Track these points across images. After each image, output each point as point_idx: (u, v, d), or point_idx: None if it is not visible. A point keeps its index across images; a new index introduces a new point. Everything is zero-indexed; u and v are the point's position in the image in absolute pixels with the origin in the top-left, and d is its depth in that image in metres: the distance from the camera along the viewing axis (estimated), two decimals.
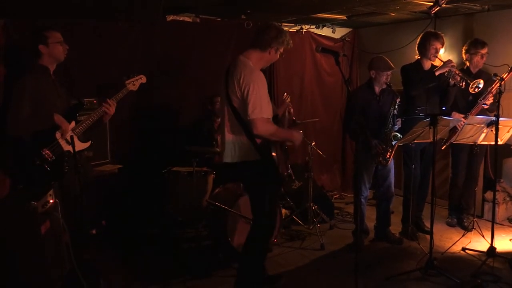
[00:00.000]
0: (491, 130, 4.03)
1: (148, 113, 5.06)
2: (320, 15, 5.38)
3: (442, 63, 4.40)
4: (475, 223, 4.57)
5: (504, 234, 4.77)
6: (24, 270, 2.99)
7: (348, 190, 6.44)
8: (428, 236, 4.03)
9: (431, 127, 3.72)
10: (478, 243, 4.40)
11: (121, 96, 3.59)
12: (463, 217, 5.02)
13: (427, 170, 4.73)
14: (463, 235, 4.51)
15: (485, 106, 4.51)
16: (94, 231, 3.90)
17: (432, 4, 4.51)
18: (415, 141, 4.10)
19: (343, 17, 5.57)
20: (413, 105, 4.48)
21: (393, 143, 4.17)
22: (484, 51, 4.62)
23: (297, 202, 5.15)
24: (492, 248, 3.97)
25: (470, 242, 4.45)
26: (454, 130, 4.41)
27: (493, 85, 4.32)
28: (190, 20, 5.27)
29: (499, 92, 3.94)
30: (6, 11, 3.97)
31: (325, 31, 6.43)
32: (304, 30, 6.19)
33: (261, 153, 3.17)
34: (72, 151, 3.21)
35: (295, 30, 6.12)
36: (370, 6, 4.86)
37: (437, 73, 4.36)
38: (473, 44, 4.67)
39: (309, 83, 6.39)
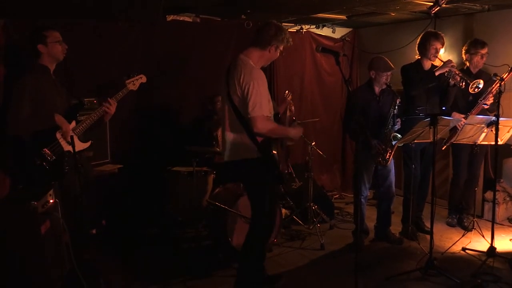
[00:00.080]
0: (491, 130, 4.04)
1: (148, 113, 5.06)
2: (320, 15, 5.39)
3: (442, 63, 4.40)
4: (475, 223, 4.57)
5: (504, 234, 4.77)
6: (24, 270, 2.99)
7: (348, 190, 6.44)
8: (428, 236, 4.03)
9: (431, 127, 3.72)
10: (478, 243, 4.40)
11: (121, 96, 3.59)
12: (463, 217, 5.02)
13: (427, 170, 4.72)
14: (463, 235, 4.51)
15: (485, 106, 4.51)
16: (94, 231, 3.90)
17: (432, 4, 4.51)
18: (415, 141, 4.10)
19: (343, 17, 5.57)
20: (413, 105, 4.48)
21: (393, 143, 4.17)
22: (484, 51, 4.62)
23: (297, 202, 5.15)
24: (492, 248, 3.97)
25: (470, 242, 4.45)
26: (454, 130, 4.41)
27: (493, 85, 4.32)
28: (190, 20, 5.27)
29: (499, 92, 3.94)
30: (6, 11, 3.97)
31: (325, 31, 6.43)
32: (304, 30, 6.19)
33: (262, 151, 3.18)
34: (72, 151, 3.21)
35: (295, 30, 6.12)
36: (370, 6, 4.86)
37: (437, 73, 4.36)
38: (473, 44, 4.67)
39: (309, 83, 6.39)
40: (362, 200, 4.44)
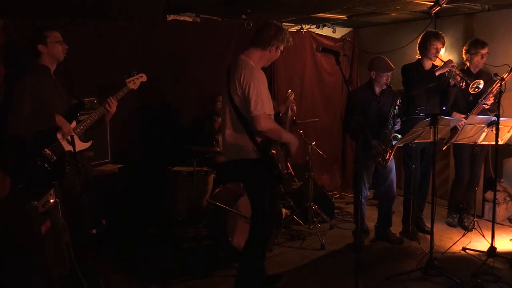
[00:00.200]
0: (492, 130, 4.03)
1: (148, 113, 5.06)
2: (321, 14, 5.39)
3: (443, 63, 4.39)
4: (475, 223, 4.57)
5: (505, 234, 4.77)
6: (24, 269, 2.98)
7: (348, 190, 6.44)
8: (428, 236, 4.03)
9: (431, 127, 3.72)
10: (479, 243, 4.40)
11: (122, 95, 3.59)
12: (464, 217, 5.01)
13: (427, 170, 4.72)
14: (463, 235, 4.50)
15: (486, 106, 4.51)
16: (94, 231, 3.90)
17: (432, 4, 4.51)
18: (416, 141, 4.10)
19: (344, 17, 5.57)
20: (414, 105, 4.48)
21: (393, 143, 4.17)
22: (484, 51, 4.62)
23: (297, 201, 5.14)
24: (492, 248, 3.97)
25: (470, 242, 4.44)
26: (455, 130, 4.41)
27: (494, 85, 4.32)
28: (191, 20, 5.27)
29: (500, 92, 3.93)
30: (6, 11, 3.96)
31: (326, 31, 6.43)
32: (305, 30, 6.19)
33: (261, 152, 3.19)
34: (73, 151, 3.21)
35: (295, 30, 6.12)
36: (370, 6, 4.86)
37: (437, 73, 4.35)
38: (473, 44, 4.66)
39: (309, 83, 6.39)
40: (362, 200, 4.44)
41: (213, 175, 4.77)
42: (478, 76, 4.56)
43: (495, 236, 3.98)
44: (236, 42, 5.51)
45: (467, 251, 4.29)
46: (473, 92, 4.39)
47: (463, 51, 4.77)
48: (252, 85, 3.09)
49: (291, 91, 4.74)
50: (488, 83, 4.41)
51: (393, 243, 4.54)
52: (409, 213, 4.61)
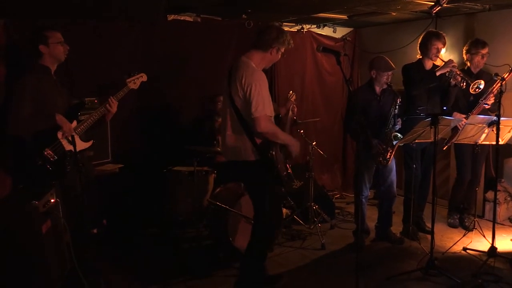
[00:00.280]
0: (492, 130, 4.03)
1: (148, 113, 5.06)
2: (321, 14, 5.38)
3: (443, 63, 4.39)
4: (476, 223, 4.57)
5: (505, 234, 4.76)
6: (25, 269, 2.99)
7: (349, 189, 6.44)
8: (429, 236, 4.03)
9: (432, 126, 3.71)
10: (479, 243, 4.40)
11: (122, 95, 3.60)
12: (464, 217, 5.01)
13: (428, 170, 4.72)
14: (464, 235, 4.50)
15: (487, 106, 4.50)
16: (95, 231, 3.90)
17: (433, 3, 4.50)
18: (416, 141, 4.10)
19: (344, 16, 5.57)
20: (414, 105, 4.48)
21: (394, 143, 4.17)
22: (484, 51, 4.61)
23: (298, 201, 5.14)
24: (493, 248, 3.96)
25: (471, 242, 4.44)
26: (456, 130, 4.41)
27: (494, 85, 4.31)
28: (191, 20, 5.27)
29: (500, 92, 3.93)
30: (6, 11, 3.97)
31: (326, 31, 6.43)
32: (305, 30, 6.19)
33: (260, 153, 3.21)
34: (73, 150, 3.22)
35: (296, 30, 6.11)
36: (371, 6, 4.86)
37: (438, 73, 4.35)
38: (474, 44, 4.66)
39: (310, 82, 6.39)
40: (363, 199, 4.44)
41: (213, 175, 4.77)
42: (478, 76, 4.56)
43: (496, 236, 3.98)
44: (236, 42, 5.51)
45: (467, 251, 4.28)
46: (473, 93, 4.39)
47: (464, 51, 4.76)
48: (253, 86, 3.11)
49: (292, 92, 4.73)
50: (489, 83, 4.41)
51: (393, 243, 4.54)
52: (409, 213, 4.61)
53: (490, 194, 5.16)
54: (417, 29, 5.04)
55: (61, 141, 3.31)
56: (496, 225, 4.00)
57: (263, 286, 3.55)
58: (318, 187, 5.37)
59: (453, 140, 4.47)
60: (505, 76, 4.08)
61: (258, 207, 3.38)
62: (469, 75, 4.48)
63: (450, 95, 4.57)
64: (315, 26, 6.24)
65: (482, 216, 5.24)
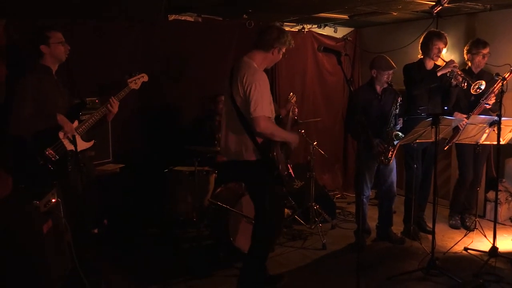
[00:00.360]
0: (493, 130, 4.03)
1: (149, 113, 5.06)
2: (322, 14, 5.38)
3: (445, 62, 4.39)
4: (477, 223, 4.56)
5: (506, 234, 4.76)
6: (26, 269, 2.99)
7: (350, 189, 6.44)
8: (430, 236, 4.02)
9: (433, 126, 3.71)
10: (480, 243, 4.39)
11: (124, 95, 3.60)
12: (465, 217, 5.01)
13: (429, 170, 4.72)
14: (465, 235, 4.50)
15: (488, 106, 4.50)
16: (96, 230, 3.90)
17: (434, 3, 4.50)
18: (417, 140, 4.10)
19: (345, 16, 5.56)
20: (415, 105, 4.47)
21: (395, 142, 4.16)
22: (485, 51, 4.61)
23: (299, 201, 5.14)
24: (494, 248, 3.96)
25: (472, 242, 4.44)
26: (457, 130, 4.40)
27: (495, 85, 4.31)
28: (192, 20, 5.27)
29: (501, 92, 3.93)
30: (7, 11, 3.97)
31: (327, 31, 6.42)
32: (306, 30, 6.18)
33: (261, 153, 3.21)
34: (75, 150, 3.22)
35: (297, 30, 6.11)
36: (372, 6, 4.86)
37: (439, 74, 4.34)
38: (475, 44, 4.66)
39: (311, 82, 6.39)
40: (364, 199, 4.44)
41: (214, 174, 4.77)
42: (479, 76, 4.55)
43: (497, 236, 3.98)
44: (237, 42, 5.51)
45: (468, 251, 4.28)
46: (474, 93, 4.38)
47: (465, 51, 4.76)
48: (253, 86, 3.12)
49: (292, 94, 4.73)
50: (490, 83, 4.40)
51: (394, 243, 4.54)
52: (410, 213, 4.61)
53: (491, 194, 5.15)
54: (418, 29, 5.03)
55: (63, 141, 3.31)
56: (497, 225, 4.00)
57: (264, 286, 3.55)
58: (319, 187, 5.37)
59: (454, 140, 4.46)
60: (506, 76, 4.07)
61: (259, 207, 3.38)
62: (470, 75, 4.48)
63: (451, 95, 4.57)
64: (316, 26, 6.24)
65: (483, 216, 5.23)
